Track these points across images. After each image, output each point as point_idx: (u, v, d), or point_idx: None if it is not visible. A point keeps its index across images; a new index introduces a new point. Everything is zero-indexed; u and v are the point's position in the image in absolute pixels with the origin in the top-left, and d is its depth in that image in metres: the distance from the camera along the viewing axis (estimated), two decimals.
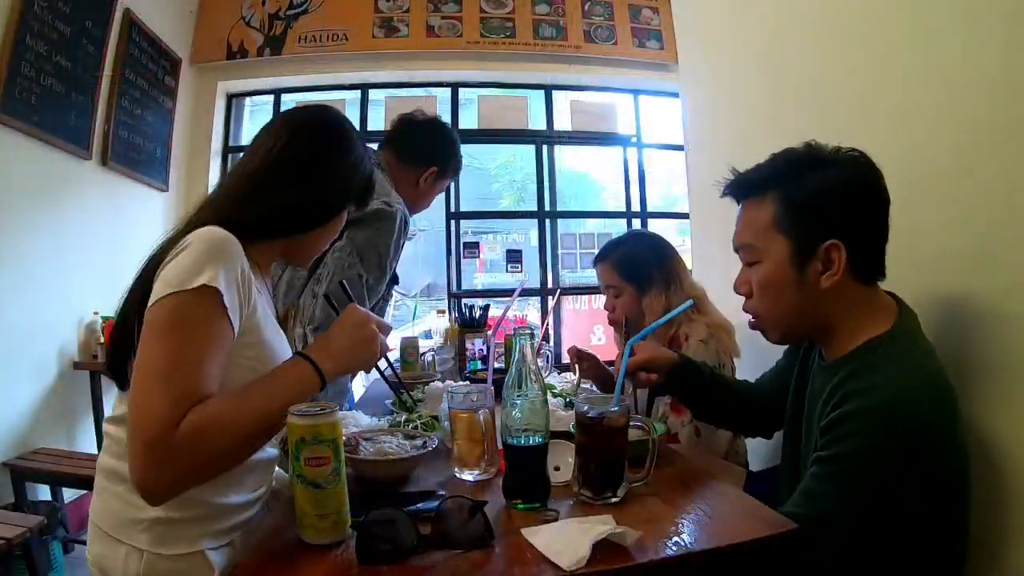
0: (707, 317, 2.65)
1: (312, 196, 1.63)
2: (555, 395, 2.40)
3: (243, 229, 1.49)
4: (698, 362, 2.11)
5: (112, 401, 1.60)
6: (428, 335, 4.55)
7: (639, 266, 2.74)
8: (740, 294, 1.73)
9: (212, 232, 1.42)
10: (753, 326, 1.74)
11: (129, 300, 1.48)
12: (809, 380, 1.76)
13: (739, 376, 2.56)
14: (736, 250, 1.72)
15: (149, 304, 1.33)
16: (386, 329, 1.64)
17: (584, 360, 2.65)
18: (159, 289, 1.34)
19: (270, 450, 1.67)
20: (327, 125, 1.73)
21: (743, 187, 1.68)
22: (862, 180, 1.55)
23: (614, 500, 1.50)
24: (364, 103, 6.51)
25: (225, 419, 1.28)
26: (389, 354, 1.79)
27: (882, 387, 1.43)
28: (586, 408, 1.53)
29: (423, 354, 3.35)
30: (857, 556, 1.41)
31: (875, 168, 1.55)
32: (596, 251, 2.95)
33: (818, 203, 1.54)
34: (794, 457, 1.75)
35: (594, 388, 2.65)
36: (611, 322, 2.89)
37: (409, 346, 3.27)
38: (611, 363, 3.21)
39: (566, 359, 3.25)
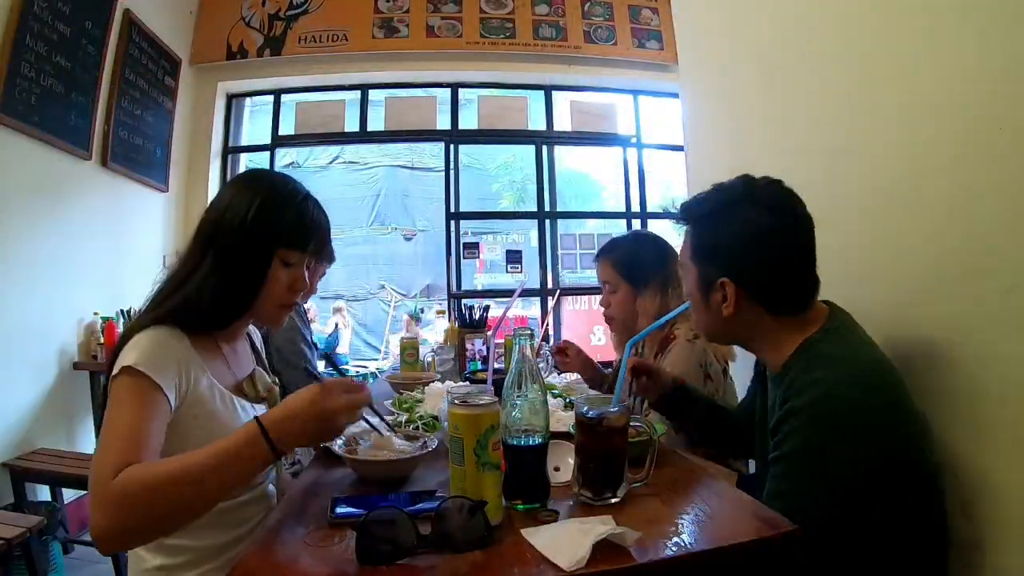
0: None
1: (213, 281, 1.66)
2: (555, 395, 2.40)
3: (179, 323, 1.64)
4: (693, 387, 2.20)
5: None
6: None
7: (638, 266, 2.75)
8: None
9: (142, 336, 1.58)
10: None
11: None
12: (765, 391, 1.86)
13: (735, 378, 2.60)
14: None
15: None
16: (358, 390, 1.52)
17: (564, 351, 2.73)
18: (113, 373, 1.52)
19: (261, 487, 1.79)
20: (213, 212, 1.75)
21: (681, 213, 1.85)
22: (765, 229, 1.65)
23: (614, 501, 1.50)
24: (364, 103, 6.52)
25: (159, 476, 1.33)
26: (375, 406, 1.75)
27: (819, 381, 1.53)
28: (586, 408, 1.53)
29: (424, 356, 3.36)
30: (830, 551, 1.44)
31: (790, 214, 1.67)
32: (595, 251, 2.96)
33: (716, 245, 1.73)
34: (763, 470, 1.79)
35: (578, 379, 2.67)
36: (607, 319, 2.91)
37: (409, 346, 3.27)
38: (608, 364, 3.22)
39: None
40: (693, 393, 2.15)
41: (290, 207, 1.73)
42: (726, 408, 2.30)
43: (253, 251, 1.68)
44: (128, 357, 1.49)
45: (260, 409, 1.78)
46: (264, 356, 2.05)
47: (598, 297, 2.92)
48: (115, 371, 1.49)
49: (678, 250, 2.85)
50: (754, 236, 1.66)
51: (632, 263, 2.77)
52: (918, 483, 1.52)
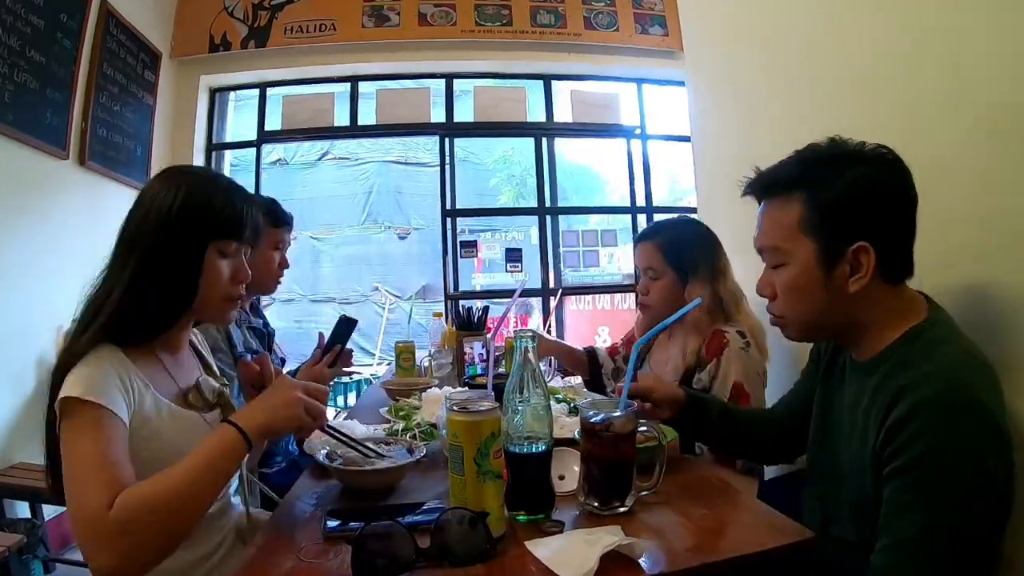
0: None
1: (144, 284, 1.65)
2: (558, 400, 2.40)
3: (114, 338, 1.62)
4: (702, 394, 2.09)
5: None
6: None
7: (686, 252, 2.70)
8: (763, 296, 1.72)
9: (81, 365, 1.55)
10: (774, 323, 1.74)
11: (48, 426, 1.60)
12: (839, 389, 1.74)
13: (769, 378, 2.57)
14: (759, 251, 1.71)
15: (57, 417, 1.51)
16: (319, 394, 1.67)
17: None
18: (56, 405, 1.51)
19: (223, 499, 1.83)
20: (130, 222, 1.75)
21: (767, 187, 1.67)
22: (889, 179, 1.54)
23: (622, 510, 1.51)
24: (354, 96, 6.52)
25: (157, 492, 1.38)
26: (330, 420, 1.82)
27: (935, 374, 1.41)
28: (591, 413, 1.54)
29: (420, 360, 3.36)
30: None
31: (902, 165, 1.55)
32: (599, 248, 2.95)
33: (846, 205, 1.52)
34: (831, 472, 1.68)
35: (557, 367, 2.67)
36: (642, 307, 2.85)
37: (405, 351, 3.27)
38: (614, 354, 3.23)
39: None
40: (707, 400, 2.03)
41: (217, 195, 1.73)
42: (741, 410, 2.27)
43: (183, 246, 1.67)
44: (72, 388, 1.48)
45: (214, 415, 1.81)
46: (212, 361, 2.05)
47: (602, 297, 2.92)
48: (59, 404, 1.48)
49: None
50: (884, 187, 1.54)
51: (680, 248, 2.72)
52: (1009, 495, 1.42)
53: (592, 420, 1.53)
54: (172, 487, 1.39)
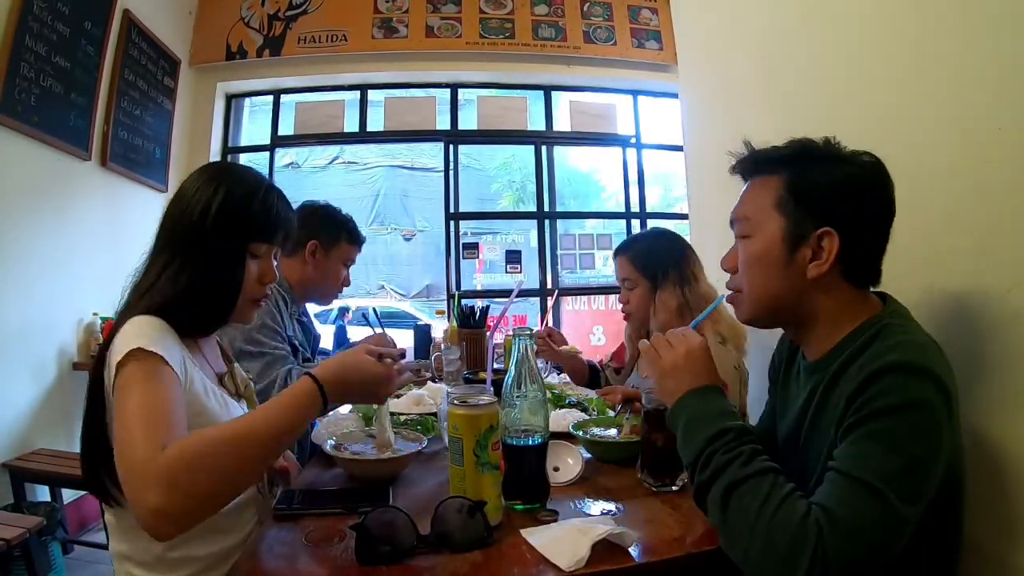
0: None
1: (188, 280, 1.61)
2: (554, 395, 2.42)
3: (163, 315, 1.56)
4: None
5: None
6: None
7: (655, 262, 2.75)
8: (726, 270, 1.69)
9: (136, 320, 1.51)
10: (730, 299, 1.71)
11: (88, 414, 1.54)
12: (796, 396, 1.68)
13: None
14: (731, 223, 1.68)
15: (109, 385, 1.43)
16: (395, 356, 1.60)
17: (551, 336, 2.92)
18: (111, 367, 1.42)
19: (251, 490, 1.71)
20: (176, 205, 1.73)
21: (756, 163, 1.66)
22: (869, 182, 1.52)
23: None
24: (364, 103, 6.52)
25: (224, 433, 1.30)
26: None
27: (894, 348, 1.36)
28: (652, 401, 1.69)
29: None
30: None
31: (887, 176, 1.53)
32: (595, 251, 2.98)
33: (822, 190, 1.51)
34: (801, 477, 1.50)
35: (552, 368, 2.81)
36: (626, 316, 2.91)
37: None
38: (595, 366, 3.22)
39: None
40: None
41: (256, 198, 1.69)
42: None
43: (224, 250, 1.63)
44: (134, 340, 1.41)
45: (242, 404, 1.78)
46: (231, 353, 2.00)
47: (597, 298, 2.94)
48: (121, 356, 1.38)
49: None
50: (860, 185, 1.51)
51: (649, 259, 2.77)
52: (954, 480, 1.39)
53: (651, 406, 1.68)
54: (235, 436, 1.29)
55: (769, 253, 1.55)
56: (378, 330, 2.00)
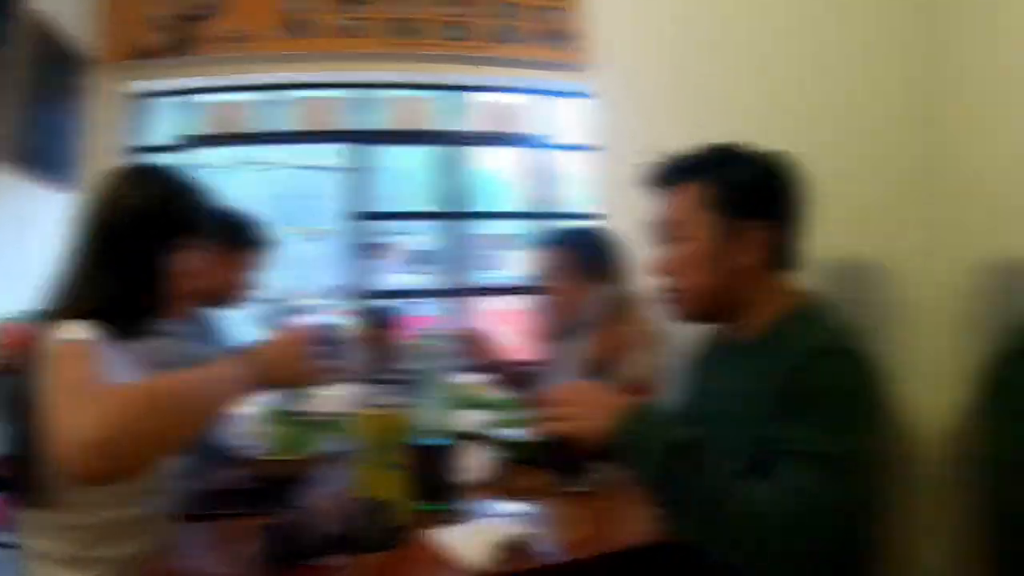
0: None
1: (115, 278, 1.61)
2: (466, 397, 2.46)
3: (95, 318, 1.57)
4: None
5: None
6: None
7: (586, 258, 2.75)
8: (660, 274, 1.76)
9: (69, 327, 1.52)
10: (669, 302, 1.78)
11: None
12: (716, 380, 1.79)
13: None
14: (655, 228, 1.76)
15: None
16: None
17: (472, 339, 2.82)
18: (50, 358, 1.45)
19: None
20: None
21: (679, 172, 1.74)
22: (786, 174, 1.65)
23: (585, 488, 1.68)
24: (272, 104, 6.39)
25: (153, 384, 1.40)
26: None
27: (820, 333, 1.51)
28: None
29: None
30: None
31: (799, 170, 1.66)
32: (503, 253, 2.95)
33: (745, 188, 1.64)
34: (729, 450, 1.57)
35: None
36: (544, 312, 2.87)
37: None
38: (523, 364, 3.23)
39: None
40: None
41: (187, 194, 1.72)
42: None
43: (152, 245, 1.64)
44: (70, 333, 1.47)
45: None
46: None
47: (505, 299, 2.87)
48: (56, 344, 1.45)
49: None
50: (781, 178, 1.65)
51: (581, 255, 2.78)
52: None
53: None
54: (169, 385, 1.39)
55: (704, 252, 1.65)
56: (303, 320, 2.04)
